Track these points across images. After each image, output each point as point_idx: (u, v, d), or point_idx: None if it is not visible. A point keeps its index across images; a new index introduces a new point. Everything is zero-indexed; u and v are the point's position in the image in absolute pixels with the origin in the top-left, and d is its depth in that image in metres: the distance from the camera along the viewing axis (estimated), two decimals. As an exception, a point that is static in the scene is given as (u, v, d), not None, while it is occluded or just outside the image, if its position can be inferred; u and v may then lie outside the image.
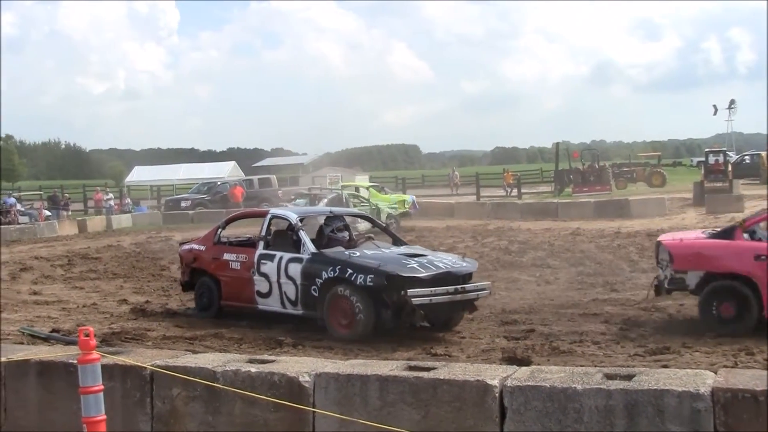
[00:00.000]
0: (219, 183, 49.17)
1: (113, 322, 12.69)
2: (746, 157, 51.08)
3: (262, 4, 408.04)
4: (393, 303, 10.66)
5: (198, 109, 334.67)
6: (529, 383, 5.56)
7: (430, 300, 10.66)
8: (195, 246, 13.75)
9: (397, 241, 13.12)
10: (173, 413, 6.47)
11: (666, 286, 11.25)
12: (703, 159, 42.73)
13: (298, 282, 11.59)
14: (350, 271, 10.89)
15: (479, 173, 54.53)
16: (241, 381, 6.24)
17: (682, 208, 32.39)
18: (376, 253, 11.75)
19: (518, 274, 17.16)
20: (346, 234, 12.87)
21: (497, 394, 5.58)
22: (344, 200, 27.95)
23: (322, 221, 13.20)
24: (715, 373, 5.57)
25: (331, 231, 12.70)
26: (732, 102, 71.47)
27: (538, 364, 7.90)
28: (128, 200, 47.92)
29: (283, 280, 11.82)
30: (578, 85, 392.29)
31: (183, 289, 14.25)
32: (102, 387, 5.74)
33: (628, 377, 5.55)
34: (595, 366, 8.29)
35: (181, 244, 14.85)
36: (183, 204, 43.78)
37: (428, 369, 6.03)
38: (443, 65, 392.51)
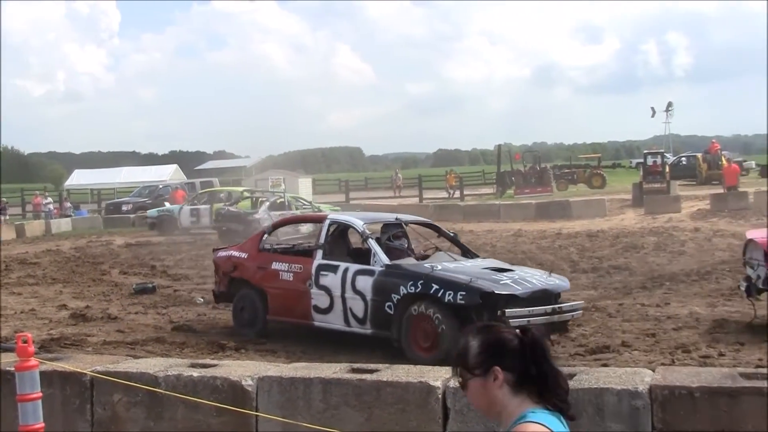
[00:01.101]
0: (161, 186, 48.65)
1: (52, 327, 12.50)
2: (683, 158, 51.89)
3: (205, 6, 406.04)
4: None
5: (140, 111, 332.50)
6: (472, 384, 5.60)
7: (528, 321, 9.14)
8: (234, 253, 12.28)
9: (467, 252, 11.77)
10: (114, 419, 6.40)
11: (760, 285, 10.61)
12: (641, 160, 43.36)
13: (369, 297, 10.22)
14: (436, 286, 9.56)
15: (422, 175, 54.71)
16: (184, 386, 6.19)
17: (621, 208, 32.82)
18: (458, 266, 10.44)
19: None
20: (404, 242, 11.49)
21: (440, 396, 5.62)
22: (287, 203, 27.78)
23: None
24: (653, 370, 5.67)
25: (387, 239, 11.22)
26: (669, 104, 72.63)
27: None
28: (68, 204, 47.20)
29: (349, 294, 10.42)
30: (521, 87, 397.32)
31: (216, 300, 12.83)
32: (40, 394, 5.66)
33: (569, 376, 5.62)
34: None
35: (215, 250, 13.37)
36: (124, 208, 43.25)
37: (371, 371, 6.04)
38: (387, 67, 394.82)
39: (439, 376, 5.80)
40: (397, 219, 11.77)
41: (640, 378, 5.48)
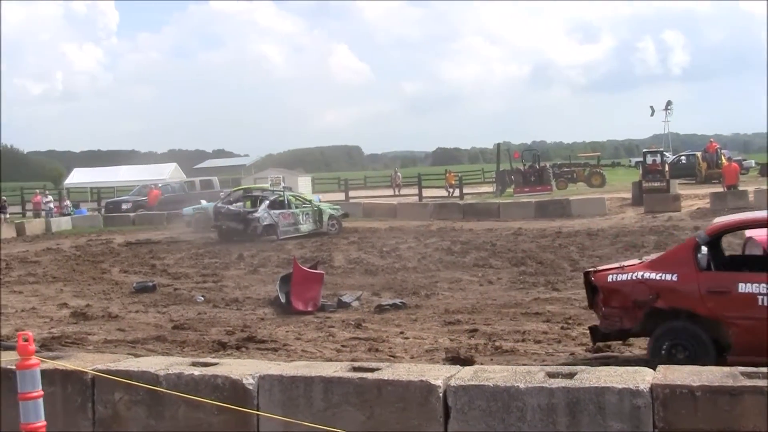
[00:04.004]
0: (160, 185, 48.67)
1: (53, 326, 12.51)
2: (682, 157, 51.88)
3: (201, 6, 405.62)
4: None
5: (138, 110, 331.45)
6: (473, 383, 5.60)
7: None
8: (651, 275, 8.89)
9: None
10: (115, 418, 6.39)
11: None
12: (641, 159, 43.36)
13: None
14: None
15: (421, 174, 54.69)
16: (185, 384, 6.18)
17: (621, 207, 32.81)
18: None
19: (461, 275, 17.26)
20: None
21: (441, 394, 5.61)
22: (286, 202, 27.77)
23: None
24: (654, 369, 5.67)
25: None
26: (668, 103, 72.65)
27: (482, 364, 7.97)
28: (67, 203, 47.09)
29: None
30: (518, 86, 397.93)
31: (603, 339, 9.56)
32: (41, 393, 5.65)
33: (570, 375, 5.62)
34: (538, 364, 8.36)
35: (590, 272, 9.44)
36: (124, 206, 43.27)
37: (372, 370, 6.03)
38: (384, 67, 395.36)
39: (440, 375, 5.79)
40: None
41: (641, 377, 5.47)
